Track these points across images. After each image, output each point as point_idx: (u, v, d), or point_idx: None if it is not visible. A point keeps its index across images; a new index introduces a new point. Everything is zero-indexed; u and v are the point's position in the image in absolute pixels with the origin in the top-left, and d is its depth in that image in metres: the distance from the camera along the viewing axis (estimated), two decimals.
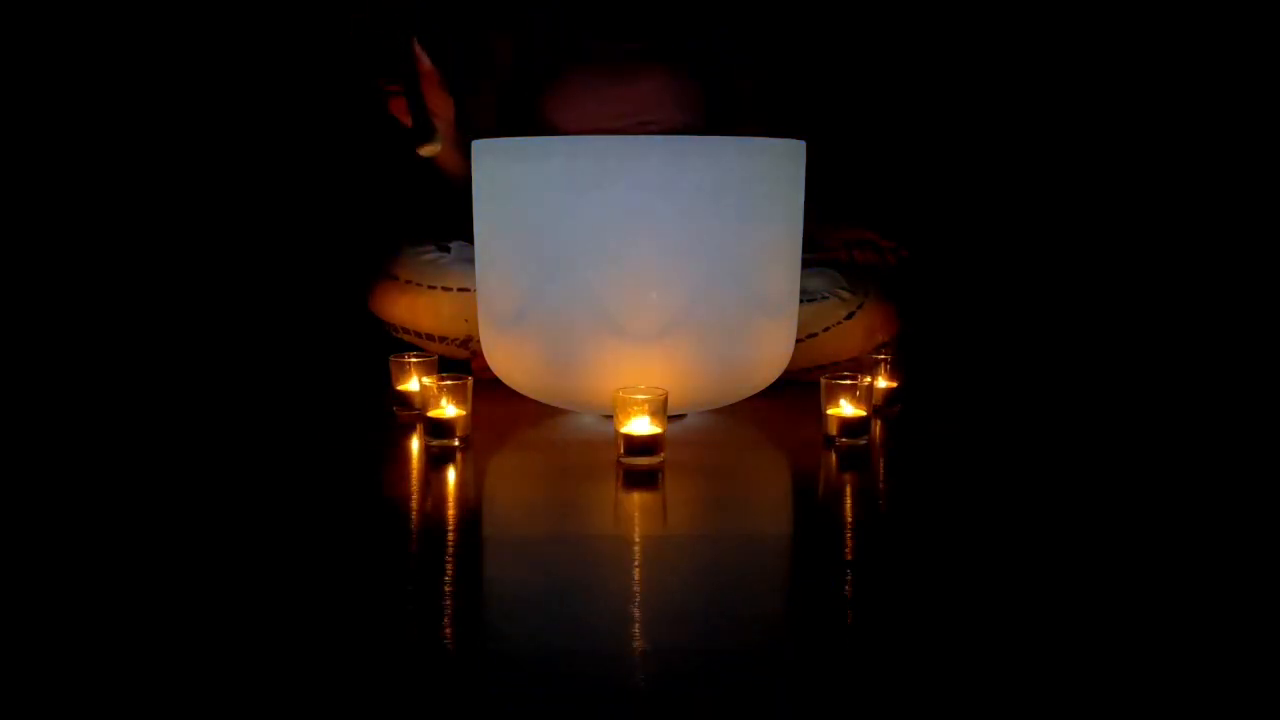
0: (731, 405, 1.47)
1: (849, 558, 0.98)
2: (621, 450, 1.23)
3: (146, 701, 0.72)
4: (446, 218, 1.69)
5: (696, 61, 1.73)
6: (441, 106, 1.53)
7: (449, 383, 1.32)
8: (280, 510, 1.10)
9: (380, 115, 1.52)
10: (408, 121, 1.48)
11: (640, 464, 1.22)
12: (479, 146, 1.41)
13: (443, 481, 1.23)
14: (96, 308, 2.00)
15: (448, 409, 1.31)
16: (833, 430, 1.33)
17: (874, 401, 1.44)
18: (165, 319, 2.00)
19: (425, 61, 1.48)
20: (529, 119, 1.73)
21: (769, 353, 1.41)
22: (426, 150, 1.46)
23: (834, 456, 1.31)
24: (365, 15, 1.49)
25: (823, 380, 1.35)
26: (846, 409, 1.34)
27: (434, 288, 1.63)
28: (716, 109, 1.75)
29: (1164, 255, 2.08)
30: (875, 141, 2.15)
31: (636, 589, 0.90)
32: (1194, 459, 1.31)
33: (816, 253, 1.70)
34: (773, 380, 1.46)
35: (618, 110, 1.68)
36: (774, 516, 1.16)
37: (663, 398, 1.23)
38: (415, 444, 1.35)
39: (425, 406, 1.33)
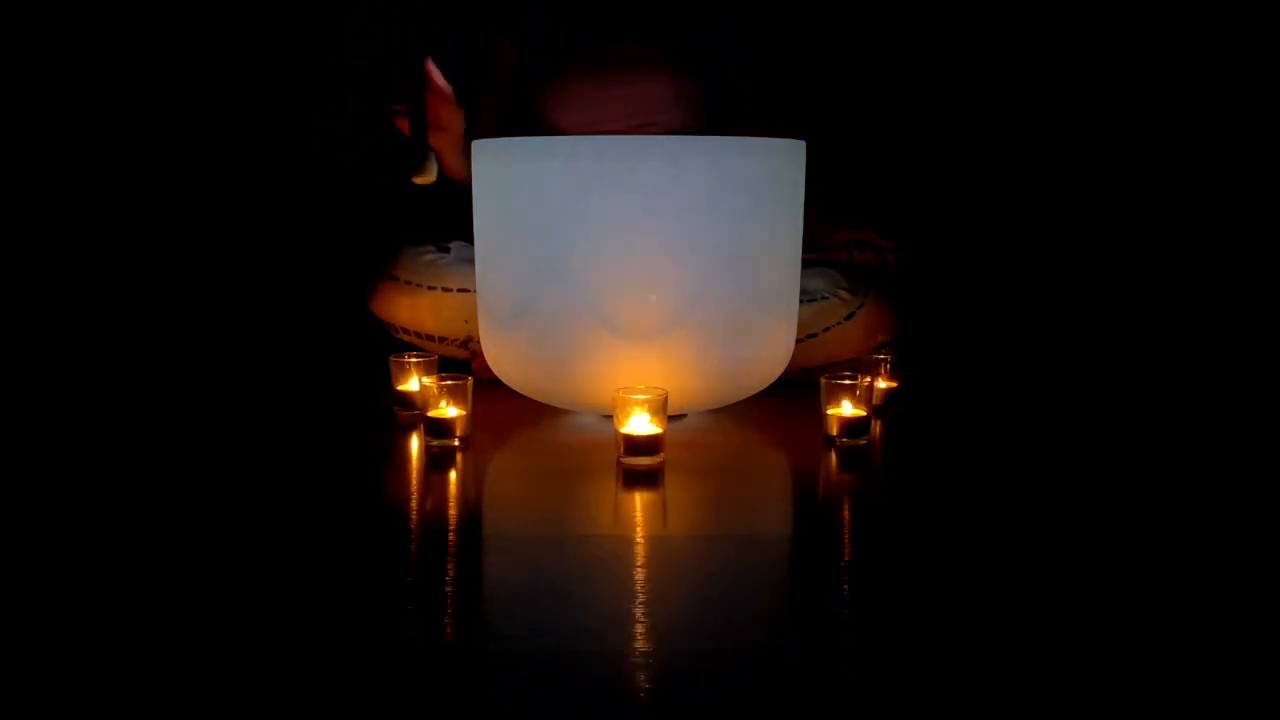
0: (731, 405, 1.47)
1: (849, 558, 0.98)
2: (621, 450, 1.23)
3: (147, 701, 0.72)
4: (446, 218, 1.69)
5: (697, 62, 1.73)
6: (452, 121, 1.53)
7: (449, 383, 1.32)
8: (281, 510, 1.10)
9: (387, 130, 1.52)
10: (407, 131, 1.48)
11: (640, 464, 1.22)
12: (479, 146, 1.41)
13: (443, 481, 1.23)
14: (97, 308, 2.00)
15: (448, 409, 1.31)
16: (833, 430, 1.33)
17: (874, 401, 1.44)
18: (166, 320, 2.00)
19: (438, 79, 1.47)
20: (530, 119, 1.73)
21: (769, 353, 1.41)
22: (420, 179, 1.46)
23: (834, 456, 1.31)
24: (365, 15, 1.49)
25: (823, 380, 1.35)
26: (846, 409, 1.34)
27: (434, 288, 1.63)
28: (716, 109, 1.75)
29: (1164, 255, 2.08)
30: (875, 141, 2.15)
31: (636, 589, 0.90)
32: (1194, 458, 1.31)
33: (816, 253, 1.70)
34: (773, 380, 1.46)
35: (618, 111, 1.68)
36: (774, 516, 1.16)
37: (663, 398, 1.23)
38: (415, 444, 1.35)
39: (425, 406, 1.33)
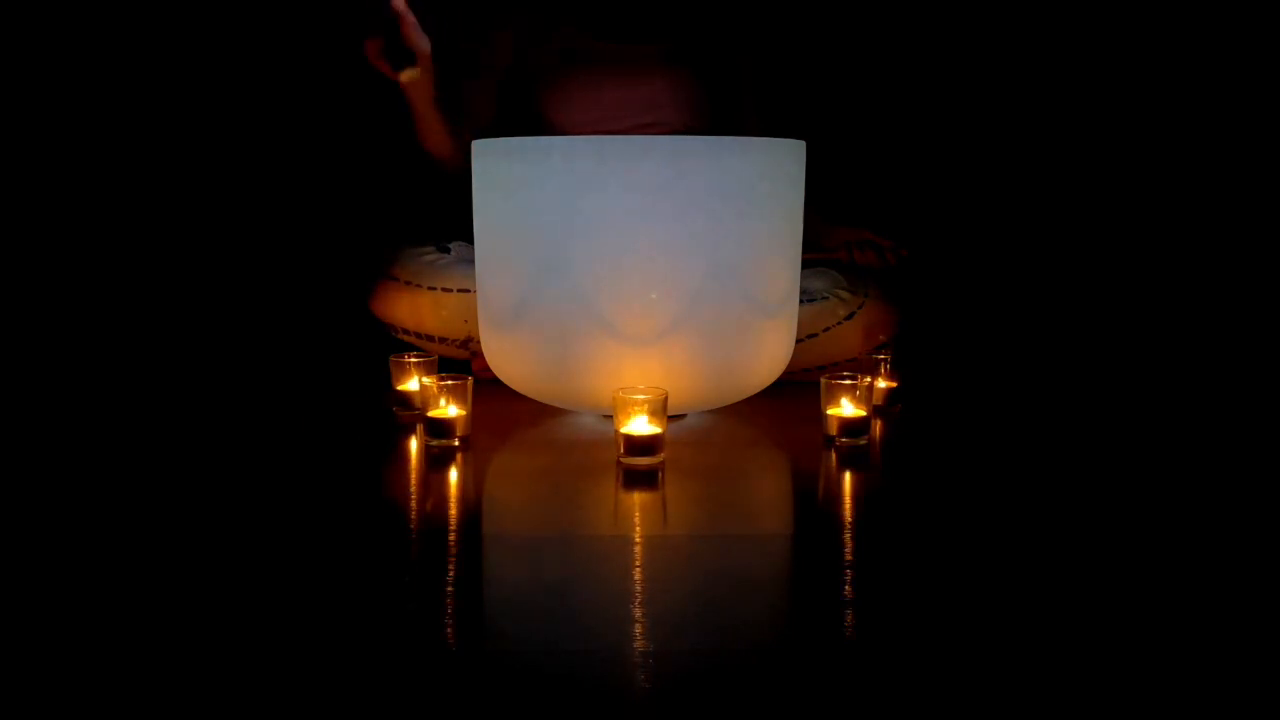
0: (731, 405, 1.47)
1: (849, 558, 0.98)
2: (621, 450, 1.23)
3: (147, 701, 0.72)
4: (446, 218, 1.69)
5: (697, 62, 1.73)
6: (418, 45, 1.54)
7: (449, 383, 1.32)
8: (281, 510, 1.10)
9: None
10: (383, 67, 1.51)
11: (640, 464, 1.22)
12: (479, 146, 1.41)
13: (443, 481, 1.23)
14: (97, 309, 2.00)
15: (448, 409, 1.31)
16: (833, 430, 1.33)
17: (874, 401, 1.44)
18: (166, 320, 2.00)
19: (399, 3, 1.49)
20: (530, 119, 1.73)
21: (769, 353, 1.41)
22: (406, 75, 1.49)
23: (834, 456, 1.31)
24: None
25: (823, 380, 1.35)
26: (846, 409, 1.34)
27: (434, 289, 1.63)
28: (718, 110, 1.75)
29: (1164, 254, 2.08)
30: (875, 141, 2.15)
31: (636, 589, 0.90)
32: (1194, 458, 1.31)
33: (817, 253, 1.70)
34: (773, 380, 1.46)
35: (618, 111, 1.68)
36: (774, 516, 1.16)
37: (662, 398, 1.23)
38: (415, 444, 1.35)
39: (425, 406, 1.33)
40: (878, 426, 1.44)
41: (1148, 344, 1.96)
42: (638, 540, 1.02)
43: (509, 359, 1.42)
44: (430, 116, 1.62)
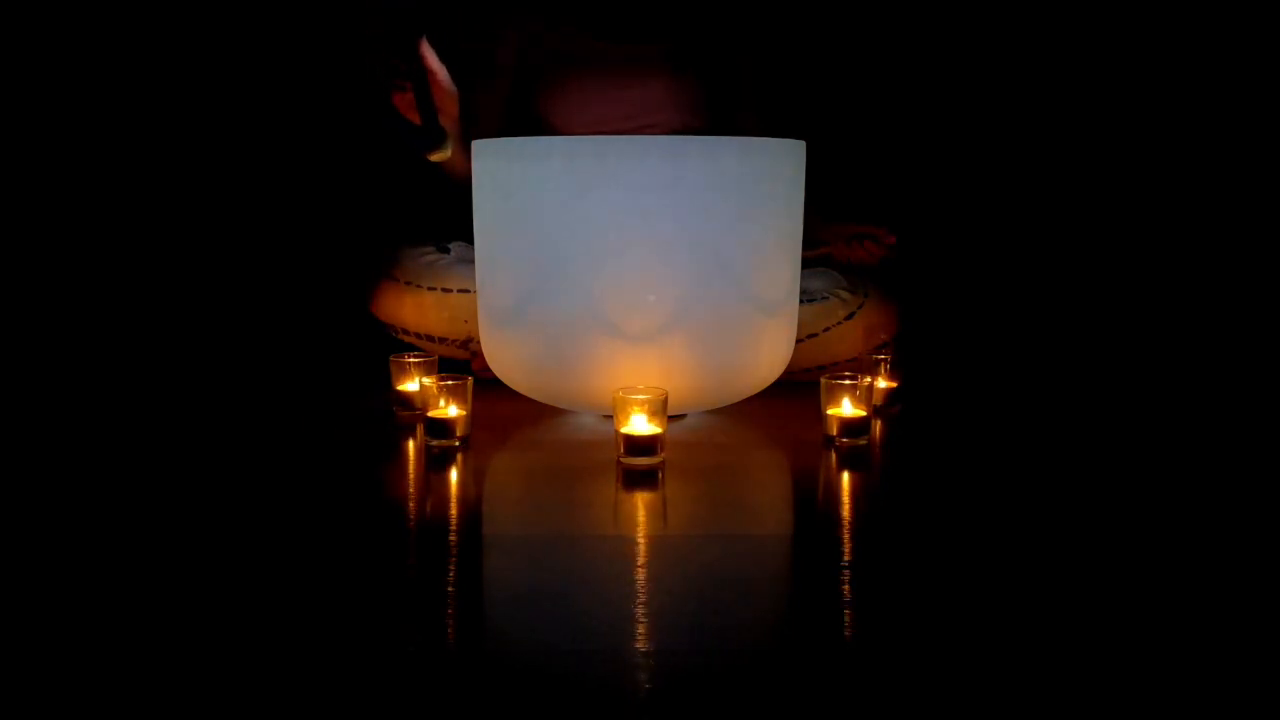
0: (731, 405, 1.47)
1: (848, 558, 0.98)
2: (621, 450, 1.23)
3: (146, 701, 0.72)
4: (446, 218, 1.69)
5: (697, 63, 1.73)
6: (447, 104, 1.53)
7: (449, 383, 1.32)
8: (281, 510, 1.10)
9: (385, 116, 1.51)
10: (413, 118, 1.47)
11: (640, 464, 1.22)
12: (479, 146, 1.41)
13: (443, 481, 1.23)
14: (97, 309, 2.00)
15: (448, 409, 1.31)
16: (833, 430, 1.33)
17: (874, 401, 1.44)
18: (166, 320, 2.00)
19: (432, 59, 1.47)
20: (530, 119, 1.73)
21: (769, 353, 1.41)
22: (437, 156, 1.46)
23: (834, 456, 1.31)
24: (378, 27, 1.49)
25: (823, 380, 1.35)
26: (846, 409, 1.34)
27: (434, 289, 1.63)
28: (717, 110, 1.75)
29: (1163, 254, 2.08)
30: (875, 141, 2.14)
31: (636, 589, 0.90)
32: (1195, 457, 1.31)
33: (816, 250, 1.70)
34: (773, 380, 1.46)
35: (618, 111, 1.68)
36: (774, 516, 1.16)
37: (662, 398, 1.23)
38: (415, 444, 1.35)
39: (425, 406, 1.33)
40: (878, 426, 1.44)
41: (1148, 343, 1.95)
42: (638, 540, 1.02)
43: (509, 359, 1.42)
44: (454, 160, 1.61)
